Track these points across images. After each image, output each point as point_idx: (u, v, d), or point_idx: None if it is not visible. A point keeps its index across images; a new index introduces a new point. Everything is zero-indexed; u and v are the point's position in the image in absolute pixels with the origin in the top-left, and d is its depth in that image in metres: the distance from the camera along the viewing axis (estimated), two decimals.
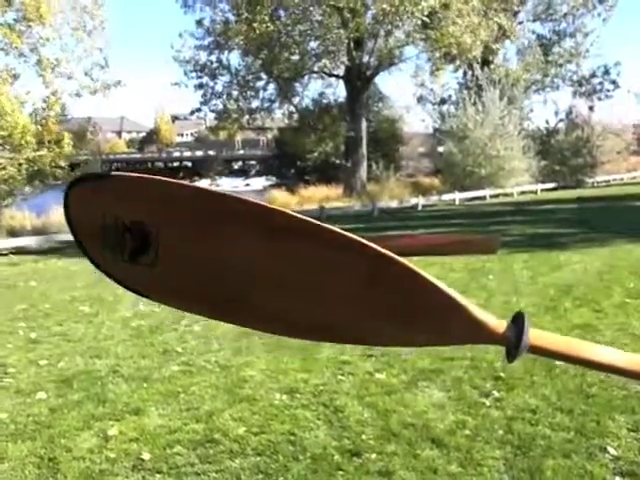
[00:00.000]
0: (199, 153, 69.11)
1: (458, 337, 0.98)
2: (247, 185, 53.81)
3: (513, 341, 0.93)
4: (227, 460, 3.93)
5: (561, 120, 39.35)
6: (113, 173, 0.87)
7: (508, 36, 35.42)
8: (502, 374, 5.26)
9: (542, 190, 33.18)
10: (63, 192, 0.91)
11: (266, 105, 35.35)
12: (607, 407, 4.52)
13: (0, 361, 6.28)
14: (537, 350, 0.94)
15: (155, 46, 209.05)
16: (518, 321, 0.93)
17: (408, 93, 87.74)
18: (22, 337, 7.21)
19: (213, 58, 33.04)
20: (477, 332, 0.95)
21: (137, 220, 0.89)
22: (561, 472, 3.63)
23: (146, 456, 4.02)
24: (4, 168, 19.70)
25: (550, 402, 4.67)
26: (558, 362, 5.37)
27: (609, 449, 3.87)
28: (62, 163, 20.04)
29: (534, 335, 0.93)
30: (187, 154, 75.49)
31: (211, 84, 33.64)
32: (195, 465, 3.89)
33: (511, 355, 0.94)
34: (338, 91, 36.93)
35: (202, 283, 0.92)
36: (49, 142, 19.97)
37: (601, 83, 40.38)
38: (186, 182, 0.85)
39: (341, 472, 3.74)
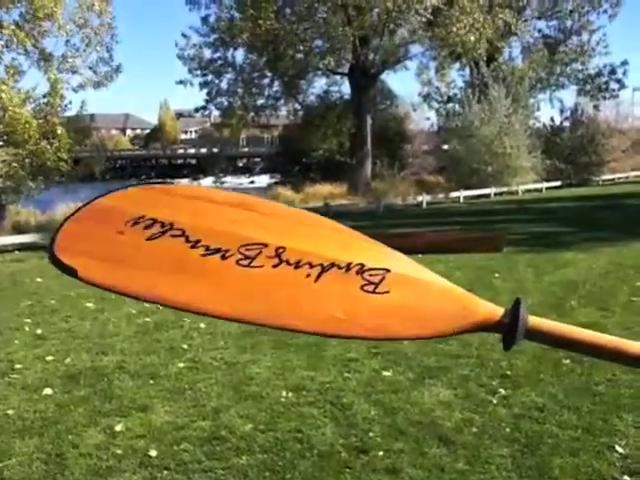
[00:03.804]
0: (203, 150, 69.10)
1: (453, 325, 0.97)
2: (252, 182, 53.79)
3: (509, 326, 0.93)
4: (234, 457, 3.94)
5: (566, 118, 39.22)
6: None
7: (513, 33, 35.32)
8: (508, 372, 5.26)
9: (547, 188, 33.08)
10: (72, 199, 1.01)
11: (271, 102, 35.33)
12: (614, 405, 4.51)
13: (7, 357, 6.29)
14: (535, 335, 0.94)
15: (160, 43, 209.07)
16: (515, 307, 0.94)
17: (413, 91, 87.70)
18: (28, 333, 7.21)
19: (218, 55, 33.03)
20: (472, 319, 0.95)
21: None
22: (569, 470, 3.63)
23: (153, 453, 4.02)
24: (8, 164, 19.71)
25: (557, 400, 4.66)
26: (565, 360, 5.37)
27: (617, 448, 3.86)
28: (64, 156, 20.00)
29: (532, 320, 0.94)
30: (191, 151, 75.53)
31: (216, 82, 33.63)
32: (202, 462, 3.89)
33: (507, 342, 0.94)
34: (343, 88, 36.80)
35: None
36: (52, 137, 19.94)
37: (607, 82, 40.24)
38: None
39: (348, 470, 3.74)
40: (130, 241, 0.99)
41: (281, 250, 0.97)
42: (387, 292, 0.96)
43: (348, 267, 0.97)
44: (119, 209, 1.02)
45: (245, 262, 0.96)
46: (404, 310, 0.96)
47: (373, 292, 0.96)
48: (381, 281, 0.97)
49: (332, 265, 0.97)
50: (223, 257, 0.96)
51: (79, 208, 1.04)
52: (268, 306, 0.94)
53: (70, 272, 0.99)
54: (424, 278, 0.99)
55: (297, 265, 0.96)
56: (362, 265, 0.98)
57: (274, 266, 0.96)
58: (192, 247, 0.97)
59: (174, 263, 0.97)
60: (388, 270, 0.98)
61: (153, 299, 0.96)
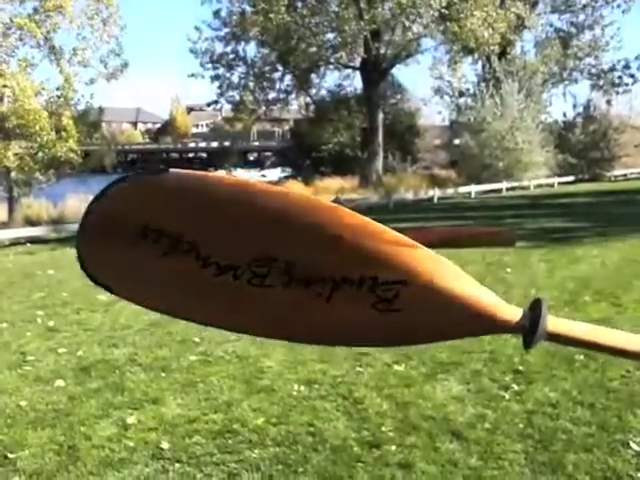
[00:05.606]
0: (214, 144, 69.18)
1: (468, 332, 0.95)
2: (262, 176, 53.75)
3: (529, 328, 0.91)
4: (246, 450, 3.93)
5: (579, 113, 39.01)
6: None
7: (526, 26, 35.11)
8: (521, 367, 5.23)
9: (559, 183, 32.97)
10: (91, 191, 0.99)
11: (282, 96, 35.34)
12: (629, 402, 4.48)
13: (20, 349, 6.32)
14: (555, 337, 0.92)
15: (172, 36, 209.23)
16: (535, 308, 0.92)
17: (425, 85, 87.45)
18: (41, 325, 7.25)
19: (229, 49, 33.06)
20: (492, 321, 0.93)
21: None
22: (583, 467, 3.60)
23: (165, 445, 4.02)
24: (21, 158, 19.85)
25: (570, 396, 4.63)
26: (578, 356, 5.34)
27: (632, 444, 3.83)
28: (75, 147, 20.13)
29: (552, 322, 0.92)
30: (202, 145, 75.67)
31: (227, 75, 33.65)
32: (214, 455, 3.89)
33: (527, 342, 0.92)
34: (355, 82, 36.84)
35: None
36: (63, 130, 20.07)
37: (620, 77, 39.96)
38: None
39: (361, 463, 3.73)
40: (146, 261, 1.00)
41: (291, 265, 0.96)
42: (399, 310, 0.93)
43: (360, 283, 0.93)
44: (124, 214, 1.01)
45: (256, 281, 0.95)
46: (416, 326, 0.94)
47: (385, 310, 0.93)
48: (395, 297, 0.93)
49: (344, 281, 0.94)
50: (235, 276, 0.96)
51: (87, 211, 1.03)
52: (281, 326, 0.98)
53: (106, 288, 1.03)
54: (441, 286, 0.95)
55: (308, 283, 0.95)
56: (375, 279, 0.93)
57: (285, 286, 0.95)
58: (203, 266, 0.97)
59: (192, 286, 0.99)
60: (404, 283, 0.94)
61: (184, 317, 1.03)
